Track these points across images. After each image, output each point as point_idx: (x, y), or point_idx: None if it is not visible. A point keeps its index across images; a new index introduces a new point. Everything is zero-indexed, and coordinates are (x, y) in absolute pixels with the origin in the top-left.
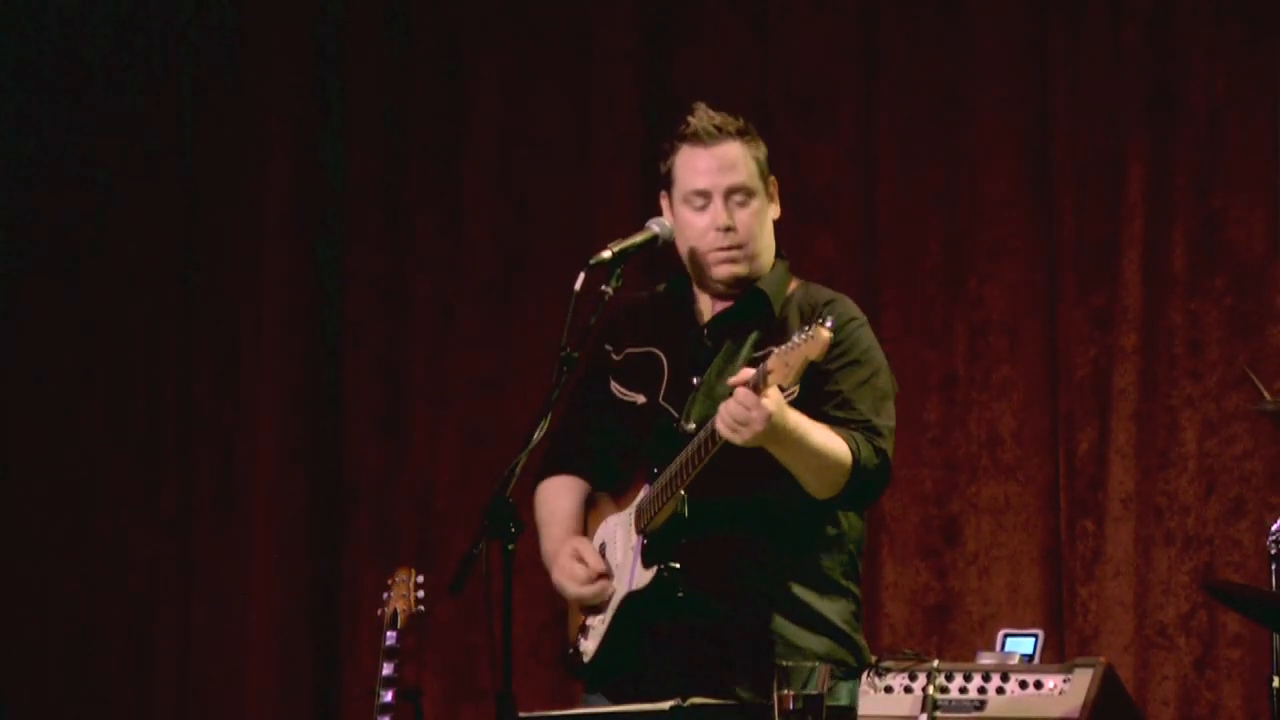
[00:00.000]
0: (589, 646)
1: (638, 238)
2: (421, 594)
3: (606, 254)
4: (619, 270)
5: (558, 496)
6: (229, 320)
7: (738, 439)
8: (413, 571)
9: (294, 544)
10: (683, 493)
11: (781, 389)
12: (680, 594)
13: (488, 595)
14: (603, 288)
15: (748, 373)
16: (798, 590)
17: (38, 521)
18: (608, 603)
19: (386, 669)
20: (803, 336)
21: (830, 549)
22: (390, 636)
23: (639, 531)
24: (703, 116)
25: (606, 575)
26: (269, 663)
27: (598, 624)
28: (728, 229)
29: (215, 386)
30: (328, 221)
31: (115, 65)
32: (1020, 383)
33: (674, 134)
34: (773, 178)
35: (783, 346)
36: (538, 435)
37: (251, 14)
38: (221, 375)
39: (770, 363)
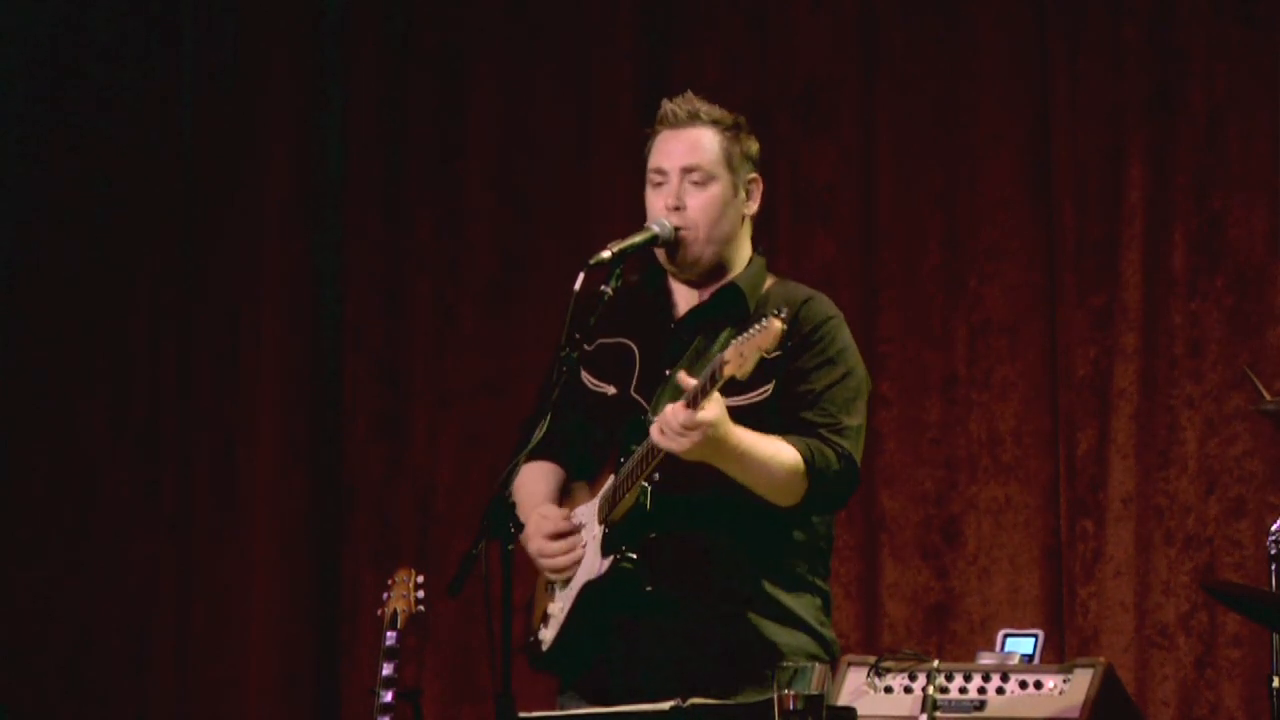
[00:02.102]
0: (547, 635)
1: (637, 238)
2: (421, 594)
3: (606, 254)
4: (619, 270)
5: (535, 480)
6: (229, 320)
7: (674, 447)
8: (413, 572)
9: (294, 544)
10: (645, 484)
11: (739, 381)
12: (649, 589)
13: (487, 596)
14: (602, 288)
15: (687, 385)
16: (768, 587)
17: (38, 521)
18: (569, 590)
19: (386, 669)
20: (757, 328)
21: (798, 546)
22: (390, 636)
23: (600, 521)
24: (679, 102)
25: (574, 533)
26: (269, 663)
27: (557, 612)
28: (676, 208)
29: (215, 386)
30: (328, 222)
31: (115, 65)
32: (1020, 383)
33: (655, 118)
34: (755, 176)
35: (738, 338)
36: (538, 435)
37: (252, 14)
38: (221, 375)
39: (727, 354)
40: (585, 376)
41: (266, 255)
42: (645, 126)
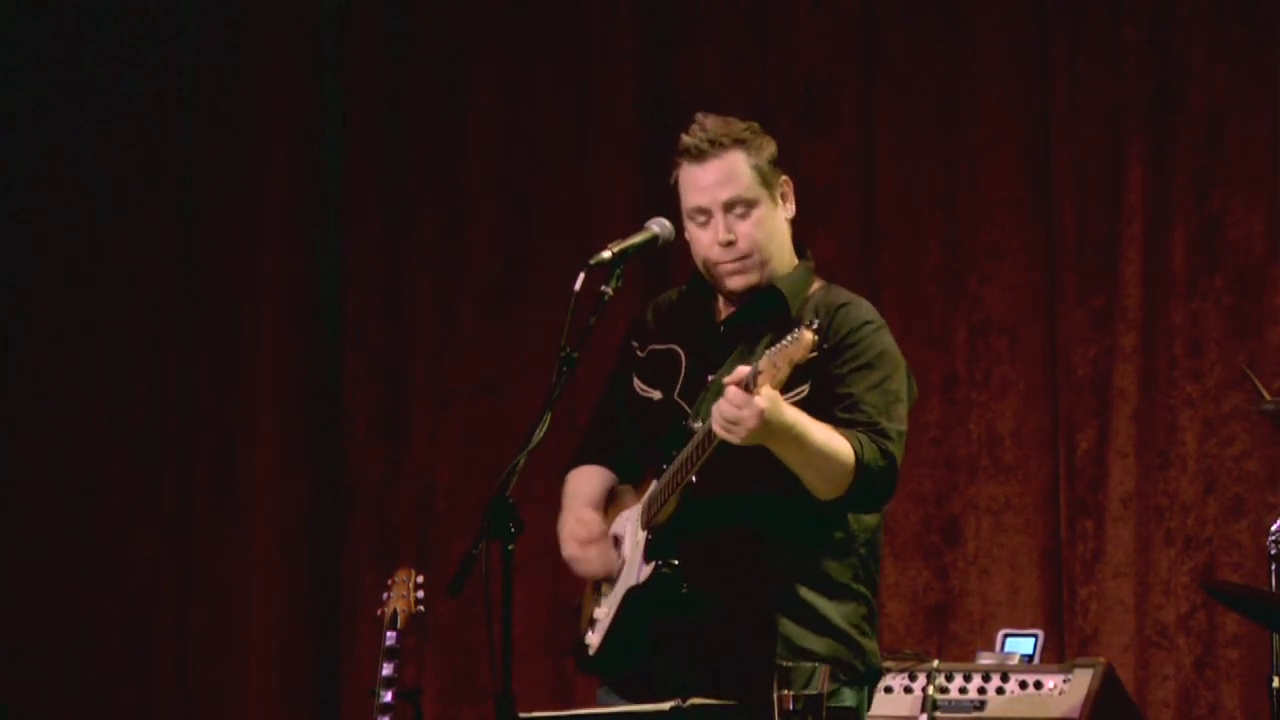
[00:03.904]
0: (594, 640)
1: (637, 238)
2: (421, 594)
3: (606, 254)
4: (619, 270)
5: (582, 482)
6: (229, 320)
7: (733, 438)
8: (413, 572)
9: (294, 544)
10: (685, 489)
11: (775, 388)
12: (683, 590)
13: (487, 596)
14: (602, 288)
15: (741, 371)
16: (803, 591)
17: (38, 521)
18: (614, 595)
19: (386, 669)
20: (789, 339)
21: (838, 551)
22: (390, 636)
23: (644, 527)
24: (697, 131)
25: (609, 540)
26: (269, 663)
27: (603, 617)
28: (729, 243)
29: (215, 386)
30: (328, 222)
31: (116, 66)
32: (1020, 383)
33: (675, 149)
34: (784, 177)
35: (770, 350)
36: (538, 435)
37: (252, 14)
38: (221, 375)
39: (762, 364)
40: (636, 383)
41: (266, 255)
42: (645, 129)
